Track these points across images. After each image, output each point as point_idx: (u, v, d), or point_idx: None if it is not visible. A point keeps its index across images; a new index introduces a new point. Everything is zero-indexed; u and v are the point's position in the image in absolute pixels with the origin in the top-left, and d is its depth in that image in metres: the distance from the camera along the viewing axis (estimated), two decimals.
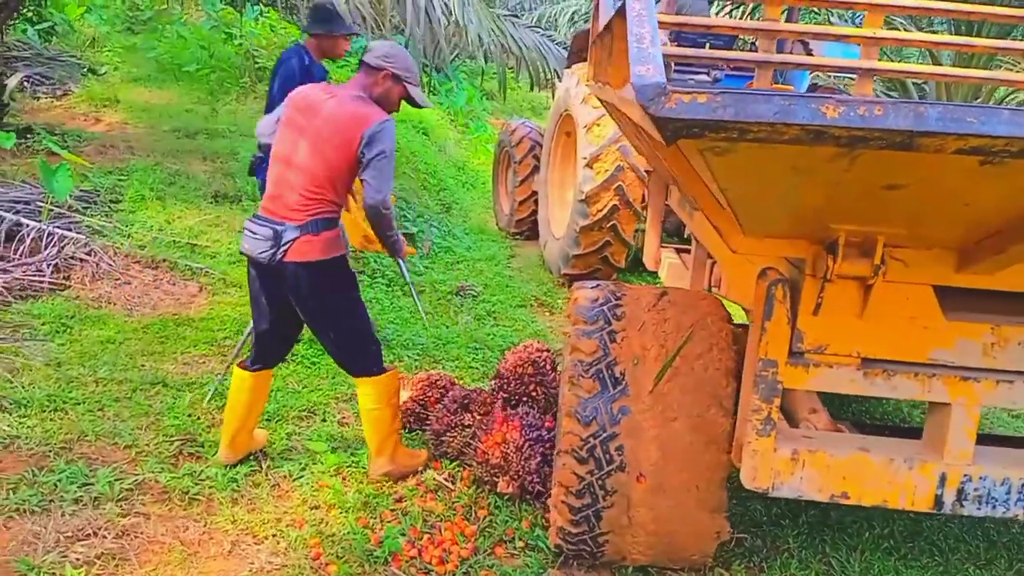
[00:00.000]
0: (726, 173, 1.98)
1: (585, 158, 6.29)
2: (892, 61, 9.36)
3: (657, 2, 5.85)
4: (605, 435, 2.79)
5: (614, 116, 4.00)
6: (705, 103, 1.63)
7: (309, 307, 3.34)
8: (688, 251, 4.91)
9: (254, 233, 3.24)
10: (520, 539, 3.25)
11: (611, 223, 6.32)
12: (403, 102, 3.44)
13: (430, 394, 4.04)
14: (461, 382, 4.38)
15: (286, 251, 3.19)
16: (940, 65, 7.55)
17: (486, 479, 3.49)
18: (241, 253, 3.34)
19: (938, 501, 2.53)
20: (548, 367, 4.09)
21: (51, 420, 3.77)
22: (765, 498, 3.51)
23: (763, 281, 2.52)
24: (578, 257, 6.57)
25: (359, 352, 3.48)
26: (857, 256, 2.31)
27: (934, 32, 9.30)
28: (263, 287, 3.37)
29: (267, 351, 3.56)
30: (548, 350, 4.24)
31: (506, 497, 3.47)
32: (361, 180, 3.27)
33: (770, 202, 2.19)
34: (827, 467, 2.54)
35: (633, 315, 2.92)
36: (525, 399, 3.88)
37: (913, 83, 9.25)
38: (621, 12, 2.21)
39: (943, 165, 1.77)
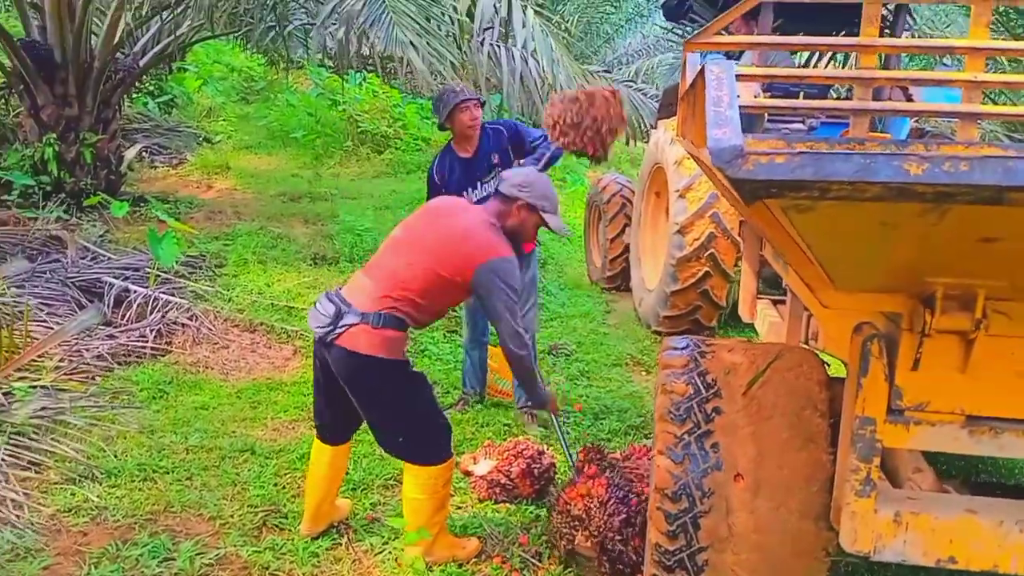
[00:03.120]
0: (811, 230, 1.96)
1: (678, 190, 6.28)
2: (1013, 104, 9.01)
3: (738, 58, 5.85)
4: (700, 432, 2.76)
5: (704, 170, 4.00)
6: (783, 164, 1.63)
7: (356, 398, 3.21)
8: (784, 301, 4.83)
9: (319, 307, 3.16)
10: None
11: (709, 251, 6.23)
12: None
13: (516, 464, 3.93)
14: (551, 450, 4.28)
15: (340, 334, 3.07)
16: None
17: (564, 531, 3.36)
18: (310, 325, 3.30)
19: None
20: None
21: (140, 490, 3.84)
22: None
23: (858, 336, 2.46)
24: (677, 294, 6.42)
25: (420, 446, 3.29)
26: (957, 310, 2.23)
27: None
28: (321, 364, 3.28)
29: (333, 429, 3.47)
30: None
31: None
32: (492, 324, 3.20)
33: (860, 257, 2.15)
34: (932, 530, 2.43)
35: (720, 343, 2.98)
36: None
37: None
38: (702, 73, 2.24)
39: None
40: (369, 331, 3.06)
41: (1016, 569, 2.41)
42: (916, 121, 6.99)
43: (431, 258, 3.13)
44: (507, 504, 3.93)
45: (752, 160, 1.63)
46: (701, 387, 2.83)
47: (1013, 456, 2.44)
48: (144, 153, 10.19)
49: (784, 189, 1.66)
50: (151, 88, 11.99)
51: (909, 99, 5.95)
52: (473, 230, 3.18)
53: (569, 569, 3.42)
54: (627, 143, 11.63)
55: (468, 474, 4.08)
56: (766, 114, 6.44)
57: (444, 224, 3.23)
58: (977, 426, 2.43)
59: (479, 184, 4.61)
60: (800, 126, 6.58)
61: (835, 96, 7.27)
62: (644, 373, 6.16)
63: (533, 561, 3.48)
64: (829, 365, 3.03)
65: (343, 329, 3.06)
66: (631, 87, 10.97)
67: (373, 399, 3.20)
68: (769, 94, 6.36)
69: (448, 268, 3.11)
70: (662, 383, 2.90)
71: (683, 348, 2.97)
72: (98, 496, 3.73)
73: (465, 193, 4.56)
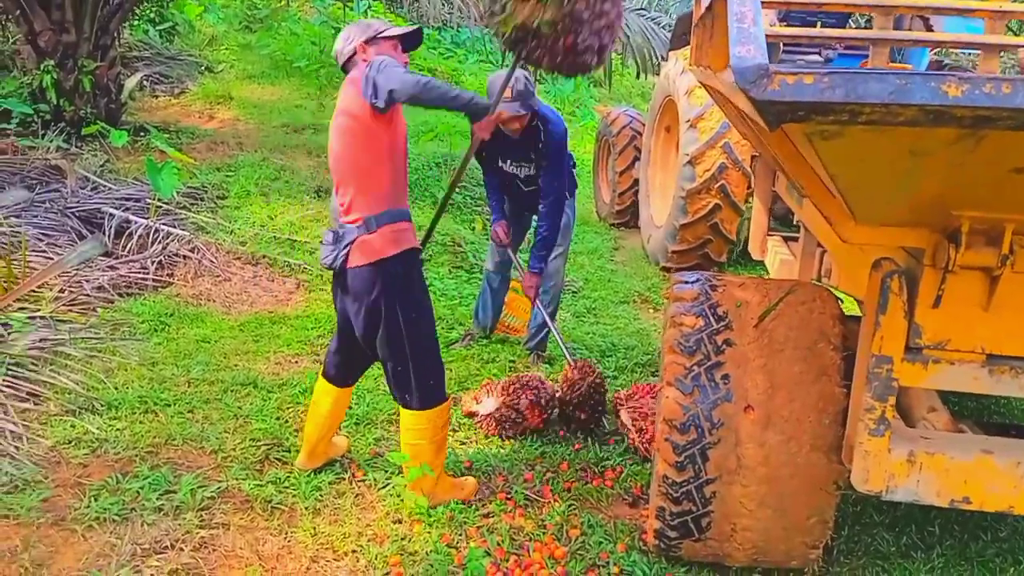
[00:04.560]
0: (836, 159, 1.86)
1: (689, 120, 6.16)
2: None
3: None
4: (710, 363, 2.71)
5: (718, 100, 3.86)
6: (812, 84, 1.52)
7: (372, 316, 3.13)
8: (796, 239, 4.73)
9: (323, 243, 3.18)
10: (615, 564, 3.01)
11: (719, 183, 6.13)
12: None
13: (524, 397, 3.87)
14: (550, 380, 4.19)
15: (347, 254, 3.07)
16: None
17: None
18: (322, 266, 3.26)
19: None
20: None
21: (140, 423, 3.78)
22: (894, 528, 3.33)
23: (877, 272, 2.37)
24: (686, 227, 6.34)
25: (419, 381, 3.21)
26: (982, 245, 2.14)
27: None
28: (339, 300, 3.27)
29: (342, 370, 3.43)
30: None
31: (597, 512, 3.32)
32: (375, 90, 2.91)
33: (885, 188, 2.05)
34: (946, 470, 2.38)
35: (731, 279, 2.93)
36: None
37: None
38: None
39: None
40: (367, 239, 3.06)
41: None
42: (935, 53, 6.79)
43: (344, 142, 3.08)
44: (511, 440, 3.89)
45: (778, 80, 1.53)
46: (712, 319, 2.76)
47: None
48: (145, 82, 9.95)
49: (812, 112, 1.56)
50: (151, 15, 11.70)
51: (929, 29, 5.75)
52: (344, 91, 3.09)
53: (573, 507, 3.38)
54: (638, 76, 11.38)
55: (472, 415, 4.02)
56: (781, 44, 6.25)
57: (335, 120, 3.13)
58: (998, 365, 2.36)
59: (509, 162, 4.52)
60: (816, 57, 6.40)
61: (854, 26, 7.06)
62: (651, 311, 6.09)
63: (537, 498, 3.44)
64: (842, 301, 2.96)
65: (347, 248, 3.07)
66: (643, 16, 10.67)
67: (390, 308, 3.10)
68: (785, 23, 6.17)
69: (354, 123, 3.02)
70: (672, 315, 2.83)
71: (694, 282, 2.90)
72: (98, 428, 3.67)
73: (501, 162, 4.52)
